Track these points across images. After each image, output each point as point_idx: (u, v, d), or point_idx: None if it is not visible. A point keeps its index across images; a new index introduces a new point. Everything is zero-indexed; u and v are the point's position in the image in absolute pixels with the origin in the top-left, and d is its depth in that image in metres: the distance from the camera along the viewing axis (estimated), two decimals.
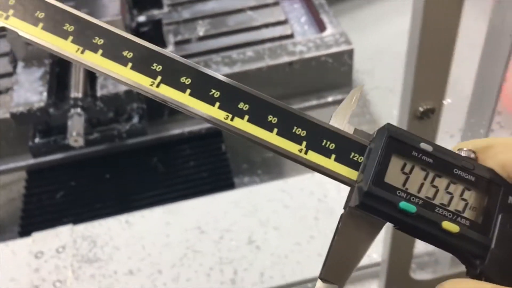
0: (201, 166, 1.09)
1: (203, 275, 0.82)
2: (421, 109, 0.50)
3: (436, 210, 0.28)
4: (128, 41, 0.30)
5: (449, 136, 0.54)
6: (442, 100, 0.50)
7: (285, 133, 0.29)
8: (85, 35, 0.30)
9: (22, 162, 1.07)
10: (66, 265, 0.86)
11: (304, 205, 0.89)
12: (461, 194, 0.28)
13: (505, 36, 0.54)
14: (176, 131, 1.10)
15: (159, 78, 0.29)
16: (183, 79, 0.30)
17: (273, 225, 0.87)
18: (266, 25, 1.17)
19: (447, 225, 0.27)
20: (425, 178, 0.28)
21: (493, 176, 0.28)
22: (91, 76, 0.97)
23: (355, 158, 0.29)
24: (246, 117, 0.29)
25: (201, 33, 1.16)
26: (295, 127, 0.30)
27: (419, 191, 0.28)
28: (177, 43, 1.14)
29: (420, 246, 0.71)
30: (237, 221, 0.89)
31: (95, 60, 0.30)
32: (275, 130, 0.29)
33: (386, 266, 0.67)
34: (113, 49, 0.30)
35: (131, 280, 0.83)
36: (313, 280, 0.79)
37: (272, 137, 0.29)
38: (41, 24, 0.30)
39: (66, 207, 1.04)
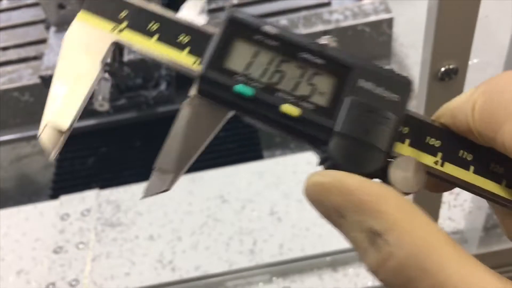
0: (230, 137, 1.07)
1: (222, 244, 0.81)
2: (442, 69, 0.46)
3: (276, 94, 0.26)
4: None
5: None
6: (467, 59, 0.46)
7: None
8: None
9: None
10: (89, 228, 0.87)
11: None
12: (309, 79, 0.27)
13: None
14: None
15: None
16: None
17: (296, 198, 0.85)
18: None
19: (286, 108, 0.26)
20: (269, 63, 0.27)
21: (343, 58, 0.26)
22: None
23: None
24: None
25: (235, 1, 1.14)
26: None
27: (262, 76, 0.27)
28: (210, 11, 1.12)
29: (445, 225, 0.67)
30: (260, 192, 0.86)
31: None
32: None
33: None
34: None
35: (151, 245, 0.83)
36: (332, 254, 0.76)
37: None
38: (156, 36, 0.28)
39: (96, 173, 1.06)
